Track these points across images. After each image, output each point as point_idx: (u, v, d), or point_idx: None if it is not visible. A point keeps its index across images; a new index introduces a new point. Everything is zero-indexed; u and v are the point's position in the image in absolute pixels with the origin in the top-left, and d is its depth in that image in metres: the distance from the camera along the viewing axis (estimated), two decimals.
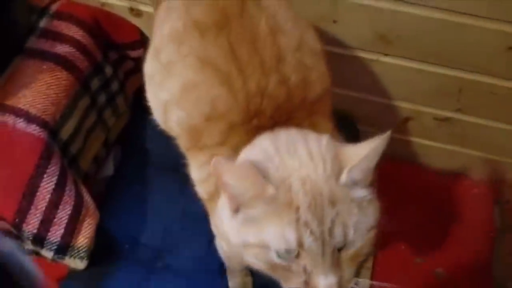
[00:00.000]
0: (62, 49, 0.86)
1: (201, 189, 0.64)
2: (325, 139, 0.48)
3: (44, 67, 0.84)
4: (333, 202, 0.43)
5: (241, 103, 0.53)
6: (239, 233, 0.47)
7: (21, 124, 0.78)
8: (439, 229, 1.11)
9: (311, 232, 0.42)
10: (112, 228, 0.97)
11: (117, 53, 1.00)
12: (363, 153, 0.44)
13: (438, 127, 0.98)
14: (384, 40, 0.85)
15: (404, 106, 0.97)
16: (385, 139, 0.44)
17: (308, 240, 0.42)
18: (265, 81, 0.54)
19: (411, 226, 1.07)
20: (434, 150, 1.05)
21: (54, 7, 0.92)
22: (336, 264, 0.44)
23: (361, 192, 0.45)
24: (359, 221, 0.44)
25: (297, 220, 0.42)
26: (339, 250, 0.45)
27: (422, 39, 0.84)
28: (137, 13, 0.97)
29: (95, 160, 1.00)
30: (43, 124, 0.80)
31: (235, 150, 0.52)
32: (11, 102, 0.79)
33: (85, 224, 0.85)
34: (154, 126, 1.12)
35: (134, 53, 1.03)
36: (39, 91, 0.82)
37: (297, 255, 0.44)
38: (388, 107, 0.98)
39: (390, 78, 0.93)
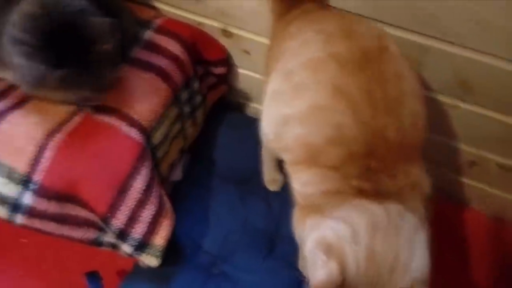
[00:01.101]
0: (162, 61, 0.94)
1: (300, 199, 0.69)
2: (419, 235, 0.57)
3: (146, 76, 0.92)
4: None
5: (364, 135, 0.58)
6: None
7: (124, 127, 0.86)
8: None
9: None
10: (176, 232, 1.04)
11: (203, 69, 1.08)
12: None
13: (501, 175, 1.01)
14: (463, 86, 0.89)
15: (470, 150, 1.01)
16: None
17: None
18: (387, 120, 0.59)
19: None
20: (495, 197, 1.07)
21: (157, 22, 1.01)
22: None
23: None
24: None
25: None
26: None
27: (500, 89, 0.88)
28: (228, 34, 1.05)
29: (171, 165, 1.07)
30: (141, 129, 0.88)
31: (345, 179, 0.57)
32: (118, 106, 0.87)
33: (164, 225, 0.91)
34: (223, 139, 1.22)
35: (217, 70, 1.10)
36: (141, 99, 0.89)
37: None
38: (454, 149, 1.02)
39: (462, 122, 0.97)
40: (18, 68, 0.72)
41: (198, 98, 1.07)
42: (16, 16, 0.72)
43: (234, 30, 1.03)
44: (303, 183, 0.64)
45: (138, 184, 0.86)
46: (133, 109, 0.88)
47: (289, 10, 0.81)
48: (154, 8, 1.06)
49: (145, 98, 0.90)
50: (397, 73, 0.62)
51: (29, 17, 0.71)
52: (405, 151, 0.60)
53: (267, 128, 0.73)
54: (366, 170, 0.57)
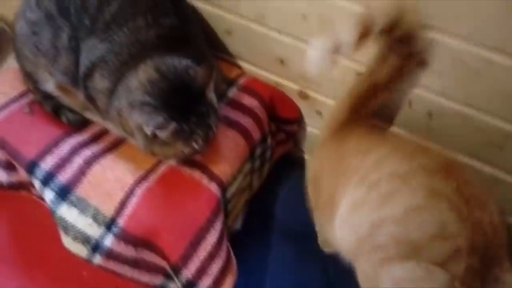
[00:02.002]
0: (244, 119, 0.99)
1: None
2: None
3: (229, 133, 0.96)
4: None
5: (468, 230, 0.61)
6: None
7: (205, 181, 0.90)
8: None
9: None
10: None
11: (275, 125, 1.12)
12: None
13: None
14: None
15: None
16: None
17: None
18: (481, 215, 0.63)
19: None
20: None
21: (241, 81, 1.06)
22: None
23: None
24: None
25: None
26: None
27: None
28: (304, 96, 1.09)
29: (235, 217, 1.09)
30: (220, 183, 0.91)
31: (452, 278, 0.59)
32: (200, 159, 0.91)
33: (227, 279, 0.93)
34: (283, 193, 1.24)
35: (289, 127, 1.14)
36: (223, 154, 0.93)
37: None
38: None
39: None
40: (137, 126, 0.79)
41: (268, 153, 1.11)
42: (136, 82, 0.80)
43: (311, 93, 1.07)
44: (397, 279, 0.64)
45: (211, 237, 0.88)
46: (215, 163, 0.92)
47: (350, 127, 0.88)
48: (239, 67, 1.12)
49: (227, 154, 0.94)
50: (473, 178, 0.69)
51: (150, 83, 0.79)
52: (498, 249, 0.62)
53: (348, 237, 0.76)
54: (470, 270, 0.59)
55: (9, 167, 0.96)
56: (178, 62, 0.82)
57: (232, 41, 1.08)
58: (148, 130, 0.77)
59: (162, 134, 0.78)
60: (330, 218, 0.80)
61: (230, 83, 1.05)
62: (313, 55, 0.71)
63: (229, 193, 0.96)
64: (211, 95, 0.84)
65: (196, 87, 0.81)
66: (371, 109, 0.88)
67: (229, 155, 0.95)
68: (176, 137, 0.80)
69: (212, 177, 0.91)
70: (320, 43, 0.70)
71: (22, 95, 1.00)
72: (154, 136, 0.79)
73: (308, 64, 0.71)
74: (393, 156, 0.74)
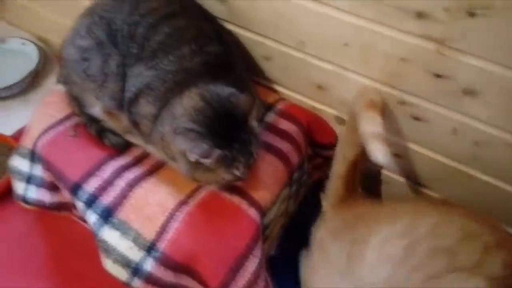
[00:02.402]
0: (282, 144, 0.99)
1: None
2: None
3: (267, 158, 0.97)
4: None
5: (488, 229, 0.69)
6: None
7: (244, 206, 0.90)
8: None
9: None
10: None
11: (312, 150, 1.12)
12: None
13: None
14: None
15: None
16: None
17: None
18: None
19: None
20: None
21: (279, 105, 1.07)
22: None
23: None
24: None
25: None
26: None
27: None
28: (342, 120, 1.09)
29: (272, 242, 1.08)
30: (259, 209, 0.91)
31: None
32: (241, 184, 0.91)
33: None
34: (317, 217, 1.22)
35: (326, 152, 1.13)
36: (262, 180, 0.93)
37: None
38: None
39: None
40: (181, 152, 0.80)
41: (305, 177, 1.10)
42: (181, 109, 0.82)
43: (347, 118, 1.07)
44: None
45: (251, 264, 0.88)
46: (255, 189, 0.92)
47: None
48: (276, 91, 1.13)
49: (266, 179, 0.94)
50: None
51: (194, 110, 0.81)
52: None
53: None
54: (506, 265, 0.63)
55: (53, 188, 0.99)
56: (222, 90, 0.83)
57: (271, 67, 1.09)
58: (192, 157, 0.78)
59: (206, 161, 0.79)
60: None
61: (268, 108, 1.06)
62: (380, 149, 0.80)
63: (267, 219, 0.95)
64: (253, 123, 0.84)
65: (239, 114, 0.82)
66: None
67: (268, 180, 0.94)
68: (219, 164, 0.80)
69: (252, 202, 0.91)
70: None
71: (67, 118, 1.03)
72: (198, 162, 0.80)
73: (379, 157, 0.80)
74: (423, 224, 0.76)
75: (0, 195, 1.26)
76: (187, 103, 0.82)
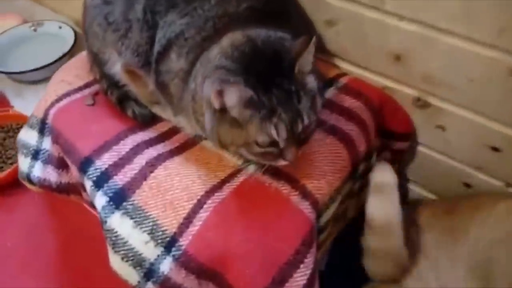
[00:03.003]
0: (347, 126, 0.77)
1: None
2: None
3: (327, 141, 0.75)
4: None
5: None
6: None
7: (295, 198, 0.68)
8: None
9: None
10: None
11: (380, 140, 0.89)
12: None
13: None
14: None
15: None
16: None
17: None
18: None
19: None
20: None
21: (342, 80, 0.86)
22: None
23: None
24: None
25: None
26: None
27: None
28: (423, 104, 0.86)
29: (323, 254, 0.85)
30: (314, 203, 0.69)
31: None
32: (291, 169, 0.70)
33: None
34: None
35: (397, 145, 0.89)
36: (318, 166, 0.72)
37: None
38: None
39: None
40: (207, 101, 0.62)
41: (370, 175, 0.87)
42: (217, 49, 0.64)
43: (433, 100, 0.83)
44: None
45: (300, 276, 0.65)
46: (309, 176, 0.70)
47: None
48: (337, 68, 0.92)
49: (324, 166, 0.72)
50: None
51: (232, 46, 0.62)
52: None
53: None
54: None
55: (61, 165, 0.82)
56: (273, 33, 0.64)
57: (334, 35, 0.88)
58: (216, 100, 0.59)
59: (232, 105, 0.59)
60: None
61: (328, 83, 0.85)
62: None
63: (324, 219, 0.72)
64: (309, 78, 0.63)
65: (290, 60, 0.61)
66: None
67: (327, 168, 0.72)
68: (250, 114, 0.59)
69: (305, 194, 0.69)
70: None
71: (87, 86, 0.87)
72: (223, 112, 0.60)
73: None
74: None
75: (11, 184, 1.12)
76: (226, 42, 0.63)
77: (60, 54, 1.37)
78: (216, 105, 0.59)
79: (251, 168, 0.72)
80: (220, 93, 0.58)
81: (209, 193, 0.69)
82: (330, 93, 0.83)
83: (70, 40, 1.42)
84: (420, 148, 0.93)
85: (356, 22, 0.83)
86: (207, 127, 0.64)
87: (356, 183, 0.82)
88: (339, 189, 0.74)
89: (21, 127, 0.91)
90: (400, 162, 0.95)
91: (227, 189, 0.69)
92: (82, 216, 0.93)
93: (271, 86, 0.60)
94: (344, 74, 0.88)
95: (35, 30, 1.53)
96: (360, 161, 0.78)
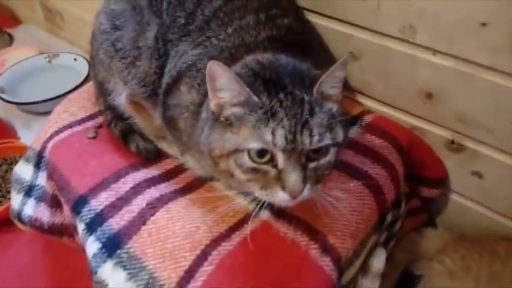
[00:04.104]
0: (374, 169, 0.69)
1: None
2: None
3: (351, 186, 0.66)
4: None
5: None
6: None
7: (314, 251, 0.59)
8: None
9: None
10: None
11: (409, 186, 0.80)
12: None
13: None
14: None
15: None
16: None
17: None
18: None
19: None
20: None
21: (367, 118, 0.78)
22: None
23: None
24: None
25: None
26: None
27: None
28: (457, 148, 0.77)
29: None
30: (337, 259, 0.59)
31: None
32: (310, 217, 0.60)
33: None
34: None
35: (428, 192, 0.80)
36: (341, 215, 0.62)
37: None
38: None
39: None
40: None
41: (398, 225, 0.77)
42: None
43: (468, 143, 0.75)
44: None
45: None
46: (331, 227, 0.61)
47: None
48: (361, 105, 0.85)
49: (347, 215, 0.63)
50: None
51: (245, 67, 0.56)
52: None
53: None
54: None
55: (55, 204, 0.74)
56: (296, 60, 0.57)
57: (358, 69, 0.81)
58: (208, 78, 0.52)
59: (224, 91, 0.52)
60: None
61: (352, 121, 0.78)
62: None
63: (346, 278, 0.62)
64: (331, 105, 0.55)
65: (309, 76, 0.55)
66: None
67: (351, 217, 0.63)
68: (244, 113, 0.52)
69: (326, 248, 0.59)
70: None
71: (90, 118, 0.81)
72: (219, 113, 0.54)
73: None
74: None
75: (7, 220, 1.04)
76: (239, 65, 0.57)
77: (73, 85, 1.35)
78: (213, 106, 0.53)
79: (264, 214, 0.63)
80: (212, 76, 0.51)
81: (215, 242, 0.60)
82: (353, 132, 0.75)
83: (84, 72, 1.40)
84: (454, 196, 0.83)
85: (382, 56, 0.76)
86: (202, 139, 0.57)
87: (382, 235, 0.72)
88: (364, 242, 0.64)
89: None
90: (430, 211, 0.86)
91: (236, 238, 0.60)
92: (80, 260, 0.85)
93: (280, 90, 0.52)
94: (368, 112, 0.80)
95: (49, 61, 1.52)
96: (388, 209, 0.69)
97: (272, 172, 0.52)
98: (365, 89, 0.83)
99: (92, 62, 0.76)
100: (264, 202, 0.56)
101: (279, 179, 0.51)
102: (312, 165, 0.53)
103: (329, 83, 0.53)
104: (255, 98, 0.51)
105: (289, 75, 0.54)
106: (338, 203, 0.64)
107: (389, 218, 0.71)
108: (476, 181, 0.78)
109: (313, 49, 0.66)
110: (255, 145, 0.51)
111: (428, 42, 0.70)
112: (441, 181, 0.79)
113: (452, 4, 0.64)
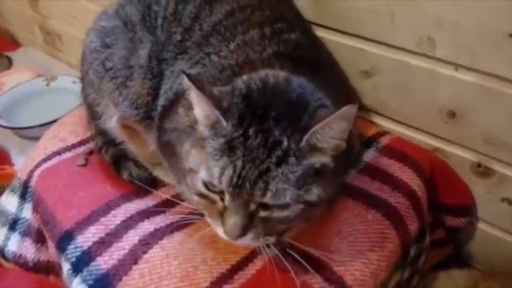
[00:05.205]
0: (394, 198, 0.61)
1: None
2: None
3: (369, 217, 0.59)
4: None
5: None
6: None
7: None
8: None
9: None
10: None
11: (432, 215, 0.72)
12: None
13: None
14: None
15: None
16: None
17: None
18: None
19: None
20: None
21: (383, 140, 0.71)
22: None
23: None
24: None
25: None
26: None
27: None
28: (484, 171, 0.70)
29: None
30: None
31: None
32: (322, 254, 0.53)
33: None
34: None
35: (453, 221, 0.72)
36: (359, 251, 0.55)
37: None
38: None
39: None
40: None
41: (422, 259, 0.69)
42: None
43: (496, 166, 0.68)
44: None
45: None
46: (348, 265, 0.53)
47: None
48: (376, 125, 0.78)
49: (366, 250, 0.55)
50: None
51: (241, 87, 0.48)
52: None
53: None
54: None
55: (40, 239, 0.67)
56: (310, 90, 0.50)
57: (371, 87, 0.74)
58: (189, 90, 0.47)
59: (198, 115, 0.47)
60: None
61: (367, 143, 0.71)
62: None
63: None
64: (319, 159, 0.46)
65: (303, 116, 0.46)
66: None
67: (371, 253, 0.55)
68: (208, 136, 0.46)
69: None
70: None
71: (81, 144, 0.75)
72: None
73: None
74: None
75: None
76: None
77: (71, 109, 1.30)
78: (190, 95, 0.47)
79: (272, 250, 0.56)
80: (188, 90, 0.47)
81: (216, 284, 0.52)
82: (369, 155, 0.68)
83: None
84: (481, 225, 0.75)
85: (398, 72, 0.70)
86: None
87: (406, 271, 0.64)
88: (385, 282, 0.56)
89: None
90: (456, 242, 0.78)
91: (239, 280, 0.53)
92: None
93: (254, 124, 0.45)
94: (384, 133, 0.73)
95: (47, 84, 1.47)
96: (411, 243, 0.61)
97: (219, 204, 0.47)
98: (380, 108, 0.77)
99: (82, 84, 0.71)
100: None
101: (222, 215, 0.46)
102: (263, 214, 0.46)
103: (323, 134, 0.45)
104: (224, 123, 0.45)
105: (283, 107, 0.46)
106: (355, 237, 0.57)
107: (412, 252, 0.63)
108: (506, 208, 0.70)
109: (323, 66, 0.60)
110: (203, 175, 0.46)
111: (448, 55, 0.63)
112: (467, 209, 0.71)
113: (474, 13, 0.58)
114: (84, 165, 0.70)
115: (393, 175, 0.64)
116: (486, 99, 0.63)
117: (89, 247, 0.58)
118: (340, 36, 0.75)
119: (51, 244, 0.61)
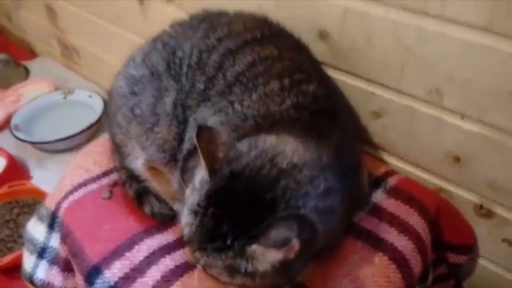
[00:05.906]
0: (400, 241, 0.65)
1: None
2: None
3: (376, 260, 0.63)
4: None
5: None
6: None
7: None
8: None
9: None
10: None
11: (435, 253, 0.76)
12: None
13: None
14: None
15: None
16: None
17: None
18: None
19: None
20: None
21: (391, 181, 0.75)
22: None
23: None
24: None
25: None
26: None
27: None
28: (486, 213, 0.74)
29: None
30: None
31: None
32: None
33: None
34: None
35: (454, 258, 0.76)
36: None
37: None
38: None
39: None
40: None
41: None
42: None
43: (498, 209, 0.71)
44: None
45: None
46: None
47: None
48: (385, 163, 0.82)
49: None
50: None
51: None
52: None
53: None
54: None
55: (67, 268, 0.72)
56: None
57: (381, 128, 0.78)
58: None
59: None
60: None
61: (375, 183, 0.75)
62: None
63: None
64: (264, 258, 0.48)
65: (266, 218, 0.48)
66: None
67: None
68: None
69: None
70: None
71: (105, 175, 0.80)
72: None
73: None
74: None
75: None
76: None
77: (87, 124, 1.34)
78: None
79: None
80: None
81: None
82: (377, 196, 0.72)
83: (99, 110, 1.39)
84: (482, 262, 0.79)
85: (406, 116, 0.73)
86: None
87: None
88: None
89: (38, 202, 0.83)
90: (457, 277, 0.81)
91: None
92: None
93: (215, 206, 0.49)
94: (393, 173, 0.77)
95: (65, 97, 1.51)
96: (414, 285, 0.65)
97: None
98: (388, 147, 0.80)
99: (108, 120, 0.75)
100: None
101: None
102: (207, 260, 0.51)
103: (261, 256, 0.47)
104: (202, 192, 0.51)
105: (251, 204, 0.48)
106: (362, 280, 0.61)
107: None
108: (506, 248, 0.73)
109: (340, 115, 0.64)
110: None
111: (455, 106, 0.67)
112: (470, 247, 0.75)
113: (483, 72, 0.61)
114: (109, 197, 0.75)
115: (400, 218, 0.68)
116: (491, 149, 0.66)
117: (116, 282, 0.62)
118: (351, 78, 0.78)
119: (79, 276, 0.66)
